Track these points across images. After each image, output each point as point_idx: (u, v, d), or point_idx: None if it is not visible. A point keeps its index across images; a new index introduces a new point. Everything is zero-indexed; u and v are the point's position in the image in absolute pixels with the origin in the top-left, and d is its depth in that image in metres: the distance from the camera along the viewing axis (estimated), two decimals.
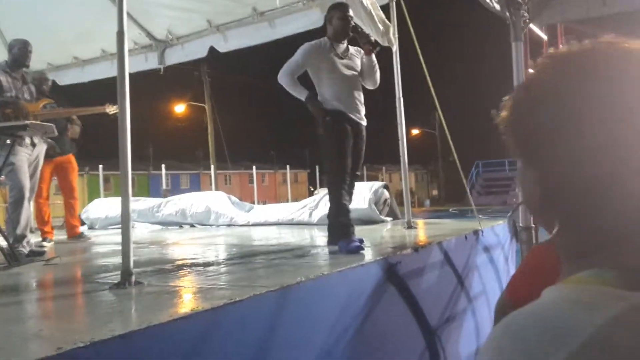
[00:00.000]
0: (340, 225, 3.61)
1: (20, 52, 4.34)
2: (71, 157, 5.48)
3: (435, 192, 44.49)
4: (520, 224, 3.83)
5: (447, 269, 3.60)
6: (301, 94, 3.66)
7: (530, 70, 0.60)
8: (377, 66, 3.79)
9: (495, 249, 4.43)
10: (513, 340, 0.49)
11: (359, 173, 3.87)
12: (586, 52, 0.55)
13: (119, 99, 2.63)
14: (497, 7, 3.37)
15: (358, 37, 3.73)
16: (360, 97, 3.79)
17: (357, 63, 3.80)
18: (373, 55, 3.76)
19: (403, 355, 2.83)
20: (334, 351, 2.36)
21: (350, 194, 3.77)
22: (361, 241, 3.59)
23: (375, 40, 3.84)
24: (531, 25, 4.04)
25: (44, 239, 5.22)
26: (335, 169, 3.65)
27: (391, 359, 2.73)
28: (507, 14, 3.46)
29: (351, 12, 3.81)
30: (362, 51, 3.79)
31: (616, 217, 0.53)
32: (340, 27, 3.71)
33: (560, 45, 4.79)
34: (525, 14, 3.53)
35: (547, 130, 0.54)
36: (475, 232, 4.31)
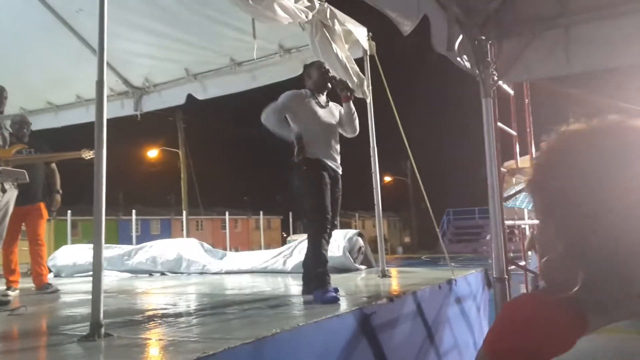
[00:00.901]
0: (317, 275, 3.59)
1: None
2: (41, 205, 5.33)
3: (407, 239, 44.64)
4: (494, 275, 3.87)
5: (418, 321, 3.57)
6: (289, 132, 3.68)
7: (552, 139, 0.69)
8: (355, 113, 3.89)
9: (468, 299, 4.44)
10: None
11: (336, 222, 3.90)
12: (597, 131, 0.64)
13: (96, 147, 2.61)
14: (468, 65, 3.54)
15: (336, 85, 3.84)
16: (337, 146, 3.87)
17: (336, 114, 3.90)
18: (351, 103, 3.87)
19: None
20: None
21: (328, 243, 3.78)
22: (336, 290, 3.58)
23: (352, 88, 3.96)
24: (502, 84, 4.26)
25: (8, 288, 5.01)
26: (316, 218, 3.64)
27: None
28: (477, 71, 3.63)
29: (328, 66, 3.96)
30: (339, 106, 3.90)
31: (628, 276, 0.58)
32: (319, 78, 3.84)
33: (527, 100, 5.01)
34: (494, 72, 3.71)
35: (572, 192, 0.62)
36: (449, 282, 4.33)
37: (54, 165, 5.34)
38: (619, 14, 3.35)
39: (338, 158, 3.85)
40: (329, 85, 3.84)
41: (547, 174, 0.66)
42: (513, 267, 4.20)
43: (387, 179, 40.61)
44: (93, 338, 2.33)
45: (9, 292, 4.88)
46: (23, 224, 5.25)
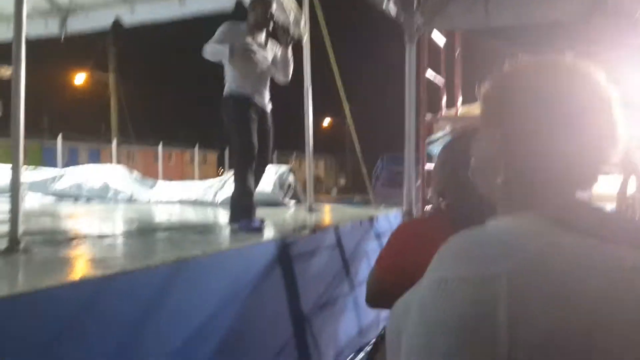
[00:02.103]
0: (242, 206, 3.70)
1: None
2: None
3: (343, 181, 45.52)
4: (403, 208, 4.13)
5: (337, 253, 3.74)
6: (225, 47, 3.64)
7: (515, 64, 0.81)
8: (290, 60, 3.89)
9: (387, 235, 4.69)
10: (472, 247, 0.67)
11: (267, 157, 3.96)
12: (550, 66, 0.78)
13: (14, 65, 2.51)
14: (394, 12, 3.61)
15: (276, 28, 3.81)
16: (267, 84, 3.89)
17: (270, 55, 3.89)
18: (290, 49, 3.86)
19: (269, 343, 2.85)
20: (210, 330, 2.37)
21: (258, 178, 3.88)
22: (262, 221, 3.70)
23: (292, 34, 3.93)
24: (435, 32, 4.38)
25: None
26: (242, 152, 3.71)
27: (256, 345, 2.73)
28: (402, 19, 3.72)
29: (274, 6, 3.89)
30: (278, 44, 3.88)
31: (547, 176, 0.74)
32: (261, 17, 3.78)
33: (458, 50, 5.17)
34: (419, 20, 3.82)
35: (521, 106, 0.76)
36: (371, 219, 4.57)
37: None
38: None
39: (267, 95, 3.89)
40: (270, 25, 3.81)
41: (507, 90, 0.79)
42: (429, 206, 4.48)
43: (327, 121, 40.76)
44: (12, 252, 2.33)
45: None
46: None
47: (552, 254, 0.64)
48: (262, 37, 3.85)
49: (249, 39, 3.76)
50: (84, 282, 1.91)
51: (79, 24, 6.20)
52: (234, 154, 3.89)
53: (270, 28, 3.82)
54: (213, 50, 3.70)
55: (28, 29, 2.59)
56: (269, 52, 3.89)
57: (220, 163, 28.60)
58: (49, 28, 6.26)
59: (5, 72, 4.64)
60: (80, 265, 2.33)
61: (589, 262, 0.64)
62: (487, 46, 5.08)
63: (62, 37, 6.26)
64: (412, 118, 3.97)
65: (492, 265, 0.64)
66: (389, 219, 4.81)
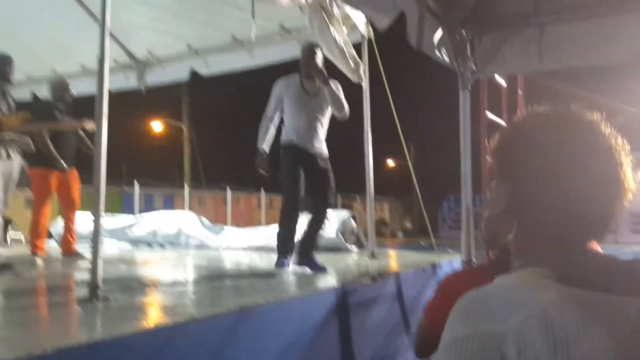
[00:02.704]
0: (280, 247, 4.12)
1: (3, 68, 4.44)
2: (74, 170, 5.36)
3: (408, 224, 44.74)
4: (462, 258, 4.04)
5: (397, 303, 3.71)
6: (259, 144, 4.11)
7: (519, 116, 0.87)
8: (338, 96, 4.03)
9: None
10: (478, 306, 0.71)
11: (324, 201, 4.06)
12: (556, 116, 0.82)
13: (96, 119, 2.71)
14: (447, 58, 3.67)
15: (315, 73, 4.01)
16: (319, 134, 4.09)
17: (326, 103, 4.07)
18: (332, 86, 4.01)
19: None
20: None
21: (317, 222, 4.08)
22: (324, 268, 3.89)
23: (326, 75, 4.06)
24: (496, 75, 4.40)
25: (34, 254, 5.01)
26: (284, 198, 4.12)
27: None
28: (456, 65, 3.77)
29: (318, 51, 4.11)
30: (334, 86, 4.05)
31: (555, 230, 0.77)
32: (303, 63, 4.04)
33: (520, 92, 5.11)
34: (472, 66, 3.85)
35: (525, 160, 0.80)
36: (433, 266, 4.50)
37: (81, 132, 5.28)
38: (588, 16, 3.46)
39: (318, 142, 4.08)
40: (316, 71, 4.00)
41: (513, 144, 0.83)
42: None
43: (391, 163, 40.65)
44: (91, 300, 2.51)
45: (36, 260, 4.89)
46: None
47: (556, 309, 0.66)
48: (314, 85, 4.04)
49: (296, 89, 4.03)
50: (156, 330, 2.03)
51: (156, 77, 6.68)
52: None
53: (320, 71, 4.01)
54: (260, 135, 4.12)
55: (109, 83, 2.77)
56: (323, 98, 4.06)
57: None
58: (129, 81, 6.77)
59: (88, 125, 5.02)
60: (153, 313, 2.47)
61: (593, 314, 0.66)
62: (549, 86, 5.00)
63: (143, 90, 6.74)
64: (468, 161, 3.95)
65: (498, 323, 0.67)
66: (452, 265, 4.71)
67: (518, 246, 0.82)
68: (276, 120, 4.15)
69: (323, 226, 4.18)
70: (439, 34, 3.43)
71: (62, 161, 5.02)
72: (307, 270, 3.95)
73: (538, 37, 3.53)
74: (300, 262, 4.03)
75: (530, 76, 5.20)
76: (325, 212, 4.10)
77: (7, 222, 5.84)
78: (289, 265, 4.01)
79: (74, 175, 5.36)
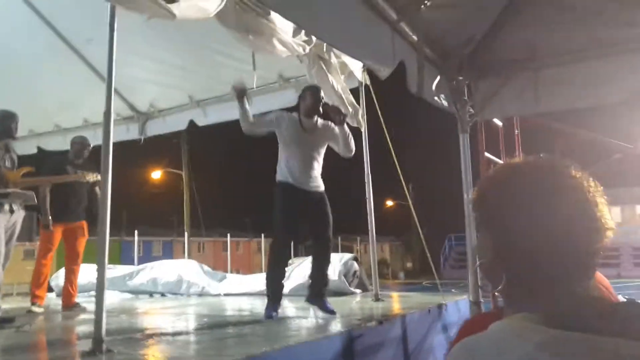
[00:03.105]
0: (269, 290, 4.00)
1: (8, 124, 4.50)
2: (83, 224, 5.38)
3: (410, 265, 44.35)
4: (470, 299, 4.01)
5: (402, 347, 3.66)
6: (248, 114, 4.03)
7: (495, 168, 0.90)
8: (350, 135, 4.10)
9: (457, 324, 4.55)
10: (469, 353, 0.74)
11: (323, 235, 4.05)
12: (524, 167, 0.85)
13: (102, 173, 2.78)
14: (445, 103, 3.76)
15: (329, 111, 4.08)
16: (314, 170, 4.10)
17: (324, 136, 4.12)
18: (345, 126, 4.08)
19: None
20: None
21: (320, 257, 4.04)
22: (333, 312, 3.87)
23: (345, 113, 4.15)
24: (494, 120, 4.51)
25: (33, 304, 5.01)
26: (275, 235, 4.07)
27: None
28: (455, 109, 3.86)
29: (322, 94, 4.19)
30: (332, 124, 4.11)
31: (540, 276, 0.79)
32: (311, 103, 4.08)
33: (517, 131, 5.21)
34: (470, 110, 3.95)
35: (500, 211, 0.83)
36: (439, 306, 4.45)
37: (97, 189, 5.22)
38: (581, 59, 3.58)
39: (314, 181, 4.08)
40: (321, 110, 4.08)
41: (488, 197, 0.86)
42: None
43: (390, 203, 40.68)
44: (95, 354, 2.48)
45: (34, 309, 4.91)
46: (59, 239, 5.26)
47: (542, 352, 0.67)
48: (312, 122, 4.09)
49: (295, 128, 4.05)
50: None
51: (157, 128, 6.79)
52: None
53: (321, 112, 4.09)
54: (250, 128, 4.05)
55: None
56: (322, 132, 4.11)
57: None
58: (130, 133, 6.88)
59: (89, 176, 5.05)
60: None
61: (581, 356, 0.67)
62: (545, 125, 5.09)
63: (142, 140, 6.84)
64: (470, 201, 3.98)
65: None
66: (458, 306, 4.67)
67: (507, 294, 0.84)
68: (258, 131, 4.13)
69: (329, 259, 4.13)
70: (437, 80, 3.53)
71: (49, 217, 5.05)
72: (317, 310, 3.93)
73: (533, 81, 3.64)
74: (312, 301, 4.02)
75: (525, 117, 5.30)
76: (327, 246, 4.07)
77: None
78: (277, 316, 3.88)
79: (82, 229, 5.38)
